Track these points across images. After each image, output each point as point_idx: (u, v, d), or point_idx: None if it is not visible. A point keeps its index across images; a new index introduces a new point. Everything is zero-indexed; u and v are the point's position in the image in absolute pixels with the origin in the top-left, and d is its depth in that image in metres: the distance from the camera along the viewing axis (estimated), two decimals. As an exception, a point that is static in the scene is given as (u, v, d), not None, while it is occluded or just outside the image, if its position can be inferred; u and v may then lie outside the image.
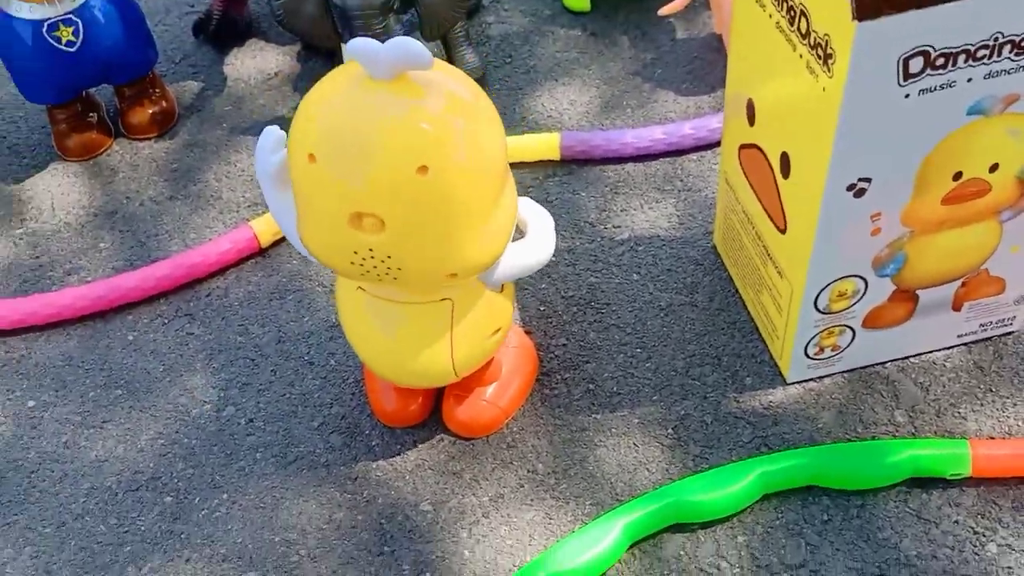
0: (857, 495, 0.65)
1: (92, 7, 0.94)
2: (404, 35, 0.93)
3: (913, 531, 0.63)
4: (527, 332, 0.76)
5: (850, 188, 0.57)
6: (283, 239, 0.89)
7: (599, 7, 1.09)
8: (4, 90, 1.08)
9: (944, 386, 0.70)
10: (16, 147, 1.03)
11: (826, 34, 0.52)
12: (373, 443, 0.71)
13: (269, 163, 0.60)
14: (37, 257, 0.90)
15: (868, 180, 0.57)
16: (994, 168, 0.58)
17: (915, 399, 0.69)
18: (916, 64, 0.51)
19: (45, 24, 0.91)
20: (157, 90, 1.04)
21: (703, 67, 1.00)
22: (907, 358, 0.72)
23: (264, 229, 0.87)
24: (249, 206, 0.93)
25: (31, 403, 0.77)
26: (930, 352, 0.72)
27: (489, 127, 0.54)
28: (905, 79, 0.52)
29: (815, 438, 0.68)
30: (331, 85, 0.54)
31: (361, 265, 0.54)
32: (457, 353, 0.62)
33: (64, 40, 0.93)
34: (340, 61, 0.94)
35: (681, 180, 0.89)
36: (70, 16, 0.92)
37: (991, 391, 0.69)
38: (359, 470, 0.69)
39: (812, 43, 0.54)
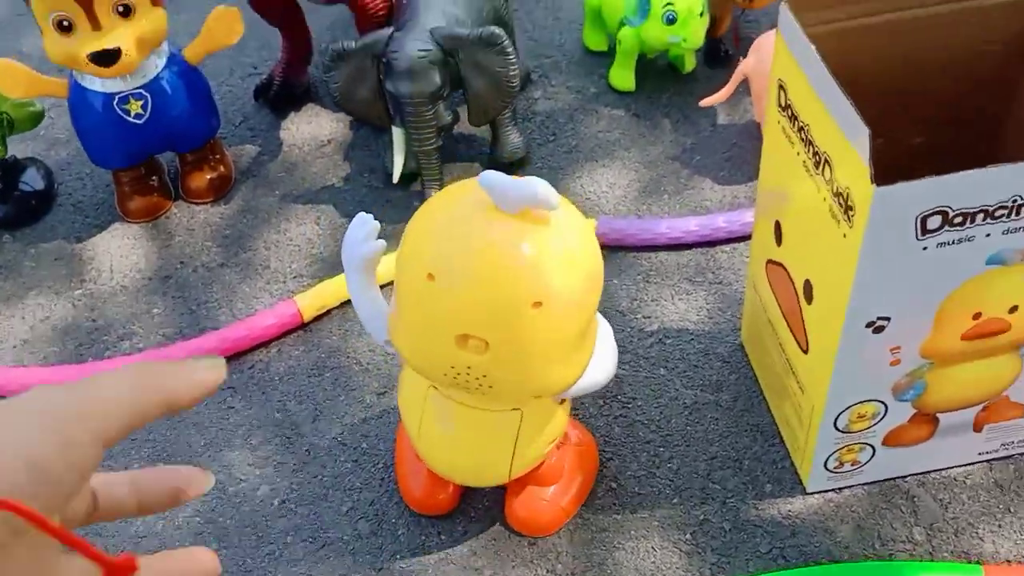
0: (870, 615, 0.66)
1: (161, 80, 0.98)
2: (452, 118, 0.96)
3: (924, 655, 0.64)
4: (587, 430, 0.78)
5: (869, 325, 0.59)
6: (325, 314, 0.92)
7: (643, 87, 1.12)
8: (73, 146, 1.13)
9: (963, 504, 0.70)
10: (80, 204, 1.08)
11: (847, 187, 0.54)
12: (399, 532, 0.74)
13: (359, 253, 0.63)
14: (94, 320, 0.95)
15: (887, 319, 0.58)
16: (1013, 309, 0.59)
17: (934, 516, 0.70)
18: (934, 222, 0.52)
19: (116, 97, 0.96)
20: (217, 155, 1.09)
21: (742, 155, 1.01)
22: (928, 472, 0.73)
23: (308, 304, 0.90)
24: (295, 277, 0.97)
25: (81, 470, 0.81)
26: (951, 468, 0.73)
27: (595, 268, 0.57)
28: (923, 234, 0.53)
29: (832, 552, 0.69)
30: (452, 206, 0.57)
31: (455, 379, 0.57)
32: (516, 460, 0.65)
33: (133, 113, 0.98)
34: (390, 135, 0.98)
35: (712, 272, 0.90)
36: (140, 91, 0.97)
37: (1010, 511, 0.70)
38: (384, 560, 0.72)
39: (834, 191, 0.55)
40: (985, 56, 0.66)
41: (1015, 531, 0.69)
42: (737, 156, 1.01)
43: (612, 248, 0.93)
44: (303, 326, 0.91)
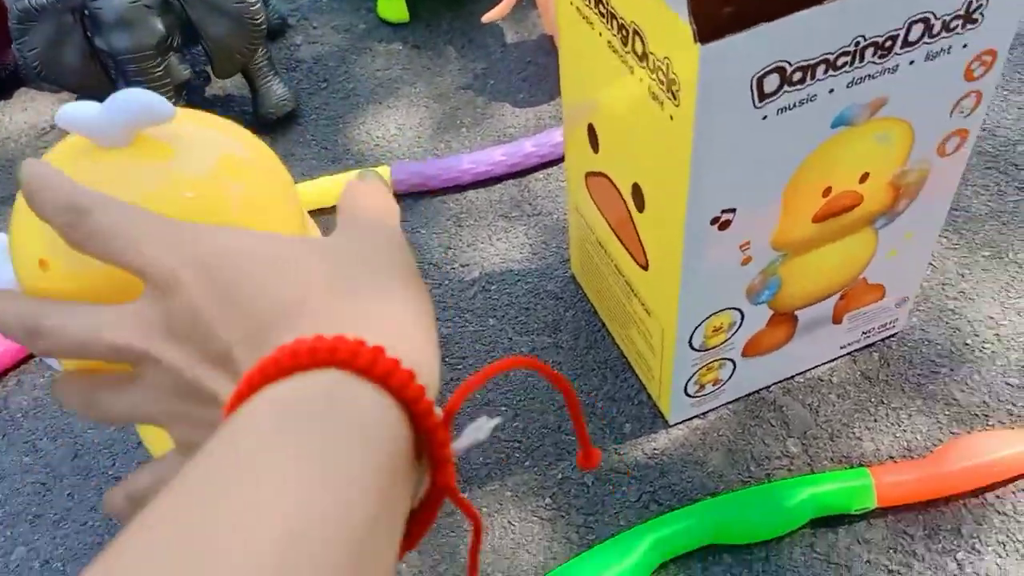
0: (760, 547, 0.58)
1: None
2: (189, 73, 0.81)
3: (824, 578, 0.57)
4: None
5: (714, 222, 0.50)
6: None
7: (419, 16, 1.00)
8: None
9: (834, 404, 0.64)
10: None
11: (666, 57, 0.44)
12: (207, 572, 0.60)
13: None
14: None
15: (732, 211, 0.50)
16: (864, 178, 0.52)
17: (806, 423, 0.64)
18: (771, 82, 0.44)
19: None
20: None
21: (539, 72, 0.92)
22: (792, 378, 0.66)
23: (52, 320, 0.73)
24: (35, 291, 0.79)
25: None
26: (815, 368, 0.66)
27: (271, 179, 0.43)
28: (760, 100, 0.45)
29: (707, 485, 0.61)
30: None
31: None
32: None
33: None
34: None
35: (529, 204, 0.80)
36: None
37: (883, 403, 0.64)
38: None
39: (652, 67, 0.46)
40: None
41: (891, 424, 0.63)
42: (534, 74, 0.91)
43: (413, 195, 0.82)
44: (52, 347, 0.74)
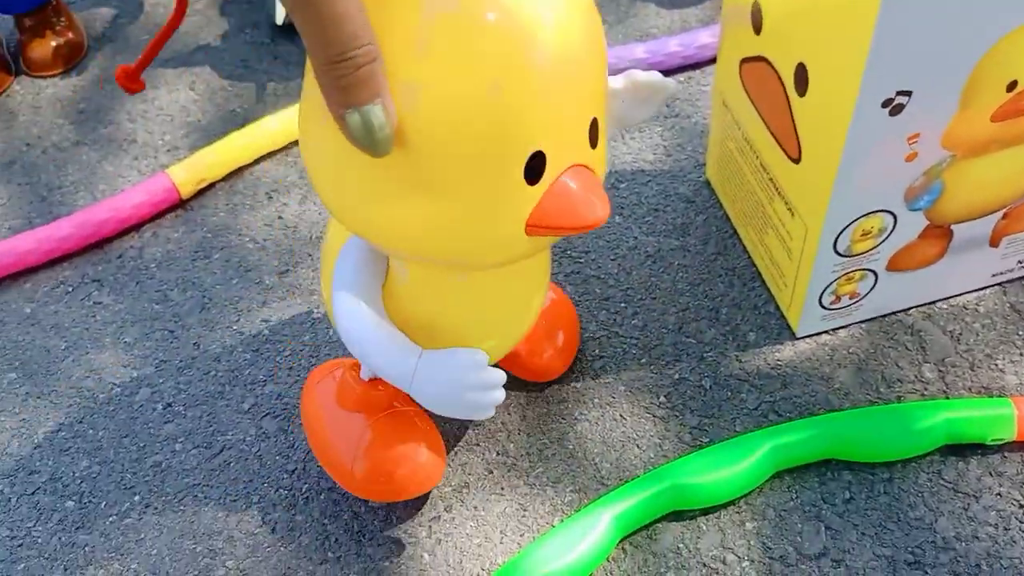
0: (883, 468, 0.55)
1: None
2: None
3: (950, 508, 0.54)
4: None
5: (886, 104, 0.46)
6: (207, 188, 0.77)
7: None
8: None
9: (978, 334, 0.60)
10: (-101, 90, 0.89)
11: (860, -96, 0.40)
12: (315, 426, 0.60)
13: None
14: (-79, 217, 0.77)
15: (908, 94, 0.46)
16: (1054, 75, 0.47)
17: (945, 351, 0.60)
18: (976, -61, 0.40)
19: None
20: (63, 19, 0.91)
21: (685, -25, 0.88)
22: (934, 303, 0.62)
23: (184, 177, 0.75)
24: (168, 150, 0.81)
25: (-90, 391, 0.66)
26: (961, 295, 0.62)
27: None
28: (960, -40, 0.40)
29: (831, 401, 0.58)
30: None
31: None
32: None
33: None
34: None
35: (667, 105, 0.77)
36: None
37: (1033, 340, 0.60)
38: (297, 460, 0.59)
39: (840, -82, 0.42)
40: None
41: (1041, 359, 0.58)
42: (680, -22, 0.87)
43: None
44: (181, 204, 0.76)
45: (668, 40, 0.78)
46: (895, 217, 0.54)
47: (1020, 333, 0.60)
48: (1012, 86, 0.48)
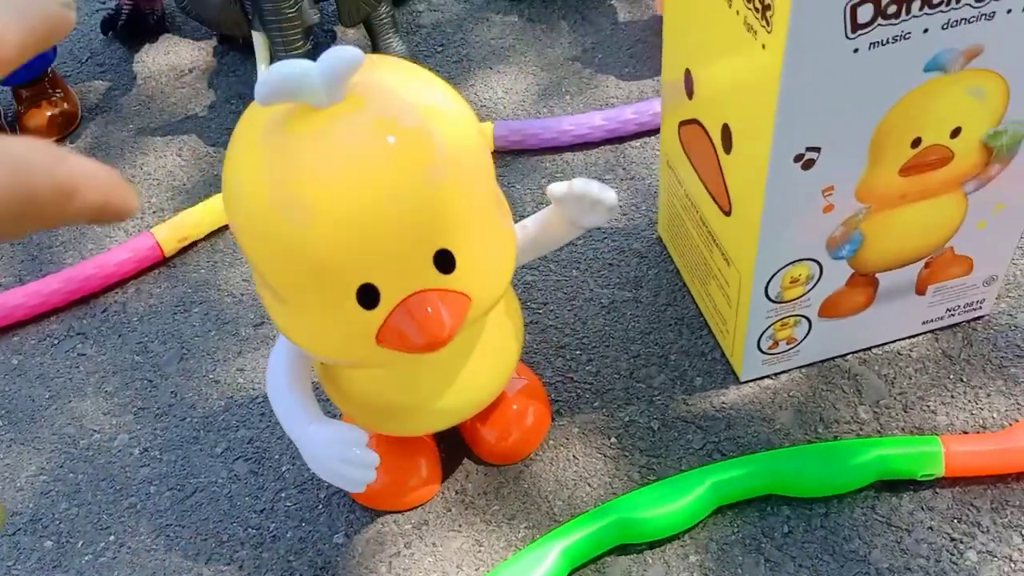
0: (820, 503, 0.58)
1: (-25, 1, 0.86)
2: (318, 18, 0.86)
3: (884, 540, 0.56)
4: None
5: (797, 159, 0.51)
6: (190, 246, 0.81)
7: (534, -10, 1.03)
8: None
9: (911, 378, 0.64)
10: (-98, 158, 0.94)
11: (762, -18, 0.45)
12: (283, 469, 0.63)
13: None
14: (-83, 276, 0.81)
15: (817, 150, 0.51)
16: (956, 133, 0.52)
17: (880, 393, 0.63)
18: (865, 12, 0.45)
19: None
20: (58, 91, 0.96)
21: (646, 50, 0.94)
22: (869, 349, 0.66)
23: (167, 236, 0.79)
24: (155, 212, 0.85)
25: (-101, 439, 0.69)
26: (894, 342, 0.66)
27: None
28: (853, 31, 0.45)
29: (772, 441, 0.61)
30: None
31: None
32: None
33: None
34: (254, 52, 0.87)
35: (624, 168, 0.82)
36: (-51, 11, 0.84)
37: (962, 381, 0.63)
38: (266, 501, 0.62)
39: (748, -5, 0.47)
40: None
41: (969, 400, 0.62)
42: (641, 52, 0.93)
43: (513, 153, 0.84)
44: (164, 261, 0.80)
45: (624, 108, 0.83)
46: (820, 265, 0.58)
47: (951, 377, 0.64)
48: (916, 142, 0.52)
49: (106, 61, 1.04)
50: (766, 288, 0.58)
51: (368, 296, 0.43)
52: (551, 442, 0.63)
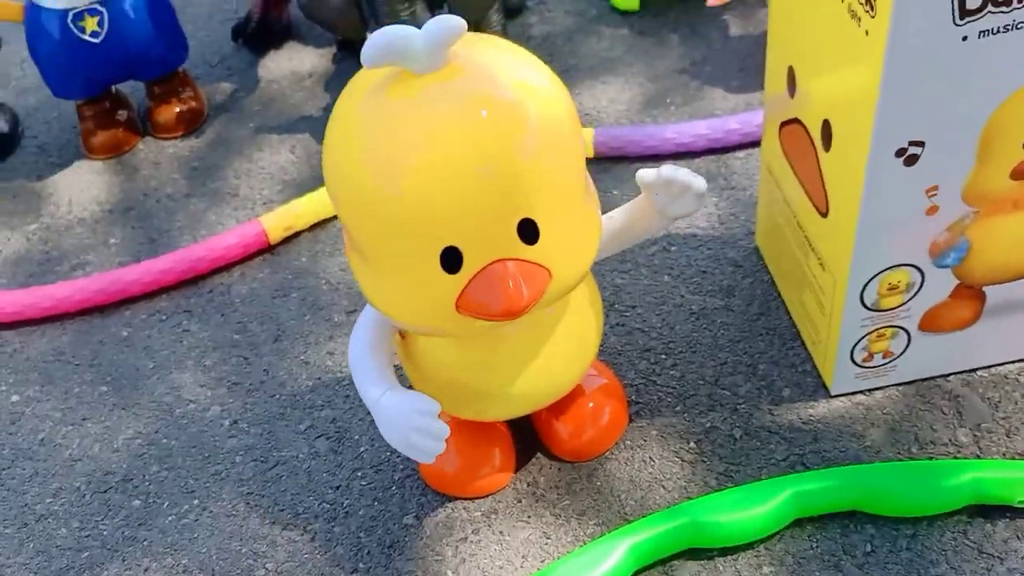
0: (908, 523, 0.55)
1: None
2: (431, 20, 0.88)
3: (973, 567, 0.53)
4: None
5: (899, 153, 0.49)
6: (294, 236, 0.84)
7: (649, 6, 1.03)
8: (42, 93, 1.07)
9: (1017, 403, 0.60)
10: (45, 146, 1.01)
11: (864, -34, 0.44)
12: (362, 449, 0.64)
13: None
14: (47, 252, 0.87)
15: (921, 144, 0.48)
16: (1075, 135, 0.49)
17: (982, 416, 0.59)
18: (974, -3, 0.43)
19: (71, 14, 0.90)
20: (188, 89, 1.02)
21: (756, 64, 0.92)
22: (975, 371, 0.62)
23: (273, 224, 0.82)
24: (265, 203, 0.89)
25: (15, 398, 0.73)
26: (1003, 364, 0.62)
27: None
28: (962, 17, 0.44)
29: (861, 457, 0.58)
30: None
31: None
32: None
33: (89, 31, 0.91)
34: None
35: (724, 178, 0.81)
36: (95, 6, 0.91)
37: (1076, 411, 0.59)
38: (342, 478, 0.63)
39: (849, -19, 0.46)
40: None
41: (1083, 429, 0.58)
42: (751, 66, 0.92)
43: (613, 159, 0.84)
44: (270, 248, 0.83)
45: (728, 119, 0.82)
46: (922, 273, 0.55)
47: (1063, 403, 0.59)
48: (1029, 144, 0.49)
49: (234, 65, 1.09)
50: (861, 294, 0.56)
51: (452, 260, 0.44)
52: (627, 442, 0.62)
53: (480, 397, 0.54)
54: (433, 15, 0.88)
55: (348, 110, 0.45)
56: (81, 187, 0.94)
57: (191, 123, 1.00)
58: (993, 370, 0.62)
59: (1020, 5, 0.43)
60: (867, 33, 0.45)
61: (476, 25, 0.92)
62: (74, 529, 0.63)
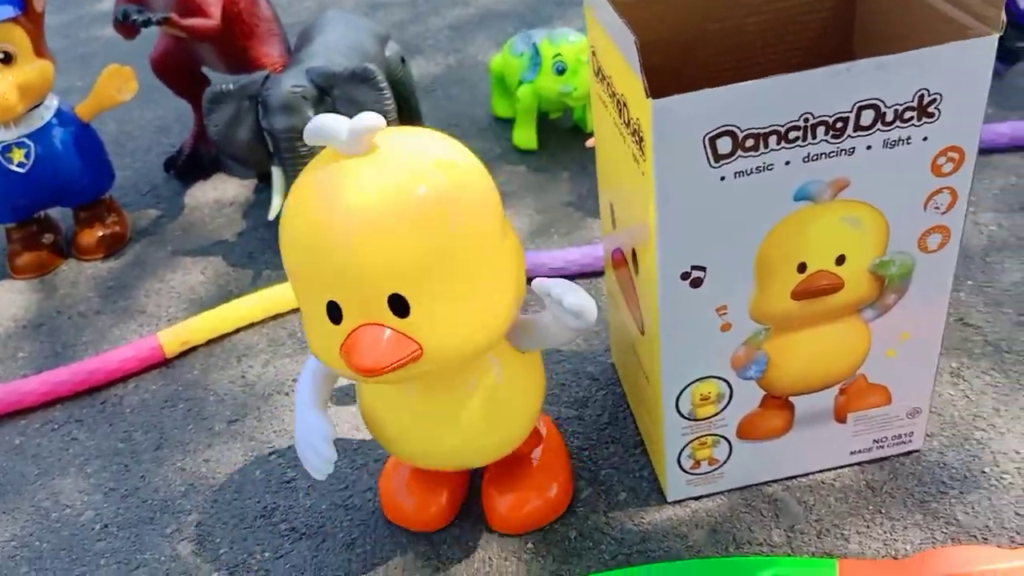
0: (722, 622, 0.58)
1: (47, 131, 1.00)
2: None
3: (781, 665, 0.56)
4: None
5: (684, 276, 0.55)
6: (191, 350, 0.88)
7: (547, 147, 1.12)
8: (-24, 216, 1.13)
9: (830, 506, 0.64)
10: (-29, 265, 1.06)
11: (638, 118, 0.52)
12: (221, 552, 0.67)
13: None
14: (-44, 364, 0.91)
15: (703, 268, 0.55)
16: (841, 260, 0.56)
17: (796, 518, 0.64)
18: (724, 144, 0.50)
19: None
20: (112, 215, 1.08)
21: (632, 197, 1.00)
22: (795, 477, 0.67)
23: (170, 339, 0.87)
24: (169, 320, 0.94)
25: (-99, 501, 0.76)
26: (822, 472, 0.67)
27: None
28: (716, 160, 0.51)
29: (682, 556, 0.62)
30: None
31: None
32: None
33: (16, 161, 0.98)
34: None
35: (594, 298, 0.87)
36: (23, 139, 0.98)
37: (880, 512, 0.63)
38: (199, 577, 0.66)
39: (632, 130, 0.53)
40: (807, 28, 0.65)
41: (884, 531, 0.62)
42: (627, 199, 1.00)
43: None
44: (166, 362, 0.87)
45: (598, 246, 0.89)
46: (730, 385, 0.61)
47: (870, 507, 0.64)
48: (802, 267, 0.56)
49: (162, 193, 1.17)
50: (676, 404, 0.61)
51: (334, 312, 0.51)
52: (469, 543, 0.65)
53: (403, 447, 0.60)
54: None
55: (304, 172, 0.53)
56: (1, 305, 0.99)
57: (112, 246, 1.07)
58: (812, 476, 0.67)
59: (767, 149, 0.51)
60: (643, 174, 0.53)
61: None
62: (-66, 629, 0.65)
